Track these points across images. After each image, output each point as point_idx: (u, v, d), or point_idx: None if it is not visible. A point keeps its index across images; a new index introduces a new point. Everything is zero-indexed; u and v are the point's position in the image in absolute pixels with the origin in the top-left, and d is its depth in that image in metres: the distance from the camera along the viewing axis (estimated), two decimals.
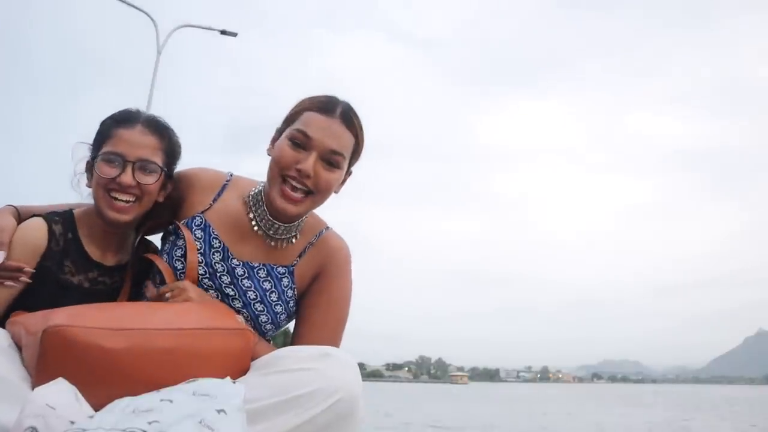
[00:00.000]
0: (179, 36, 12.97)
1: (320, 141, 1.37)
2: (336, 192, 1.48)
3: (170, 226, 1.51)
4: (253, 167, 1.75)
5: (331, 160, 1.39)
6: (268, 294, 1.46)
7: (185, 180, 1.54)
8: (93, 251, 1.48)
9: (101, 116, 1.52)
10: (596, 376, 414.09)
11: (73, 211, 1.52)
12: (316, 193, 1.40)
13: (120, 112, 1.51)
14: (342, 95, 1.45)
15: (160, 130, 1.50)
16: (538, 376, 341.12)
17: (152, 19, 12.49)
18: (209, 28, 13.14)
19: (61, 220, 1.46)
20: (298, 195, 1.38)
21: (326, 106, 1.41)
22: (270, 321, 1.47)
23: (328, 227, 1.57)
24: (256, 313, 1.45)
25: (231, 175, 1.55)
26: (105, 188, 1.43)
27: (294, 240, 1.51)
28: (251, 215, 1.48)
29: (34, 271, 1.36)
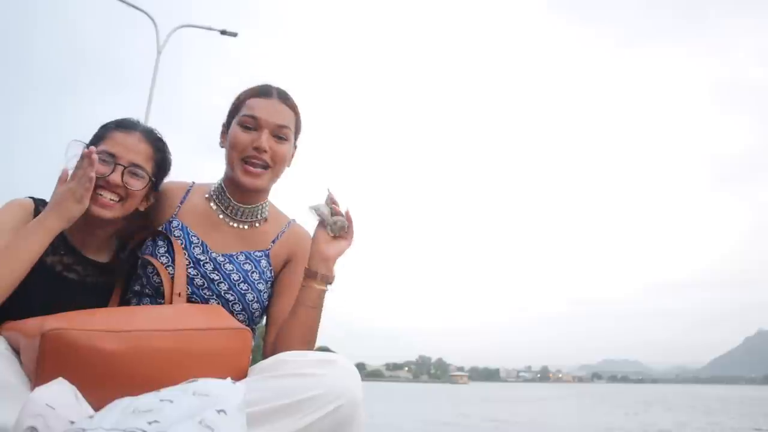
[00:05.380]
0: (179, 36, 13.04)
1: (267, 119, 1.58)
2: (288, 165, 1.67)
3: (152, 235, 1.60)
4: None
5: (280, 134, 1.59)
6: (249, 274, 1.58)
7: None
8: (76, 243, 1.53)
9: (101, 115, 1.48)
10: (596, 376, 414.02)
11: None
12: (274, 165, 1.60)
13: (122, 118, 1.59)
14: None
15: (156, 142, 1.59)
16: (538, 376, 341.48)
17: (152, 19, 12.49)
18: (209, 28, 13.11)
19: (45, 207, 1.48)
20: (258, 170, 1.57)
21: (263, 90, 1.64)
22: (255, 299, 1.57)
23: (293, 220, 1.75)
24: (242, 292, 1.55)
25: (193, 183, 1.72)
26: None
27: (259, 224, 1.66)
28: (214, 206, 1.64)
29: None
